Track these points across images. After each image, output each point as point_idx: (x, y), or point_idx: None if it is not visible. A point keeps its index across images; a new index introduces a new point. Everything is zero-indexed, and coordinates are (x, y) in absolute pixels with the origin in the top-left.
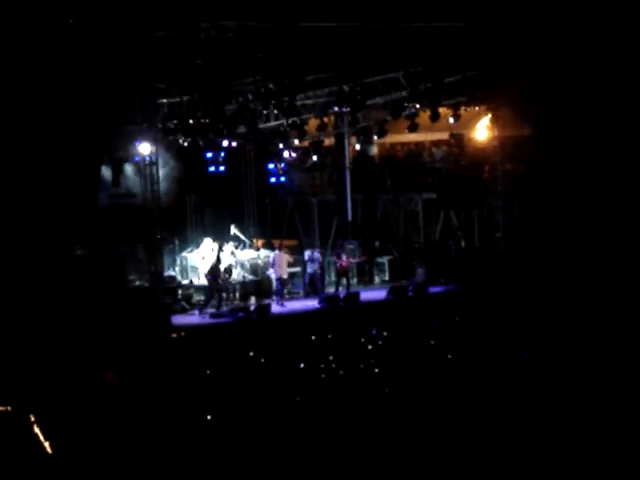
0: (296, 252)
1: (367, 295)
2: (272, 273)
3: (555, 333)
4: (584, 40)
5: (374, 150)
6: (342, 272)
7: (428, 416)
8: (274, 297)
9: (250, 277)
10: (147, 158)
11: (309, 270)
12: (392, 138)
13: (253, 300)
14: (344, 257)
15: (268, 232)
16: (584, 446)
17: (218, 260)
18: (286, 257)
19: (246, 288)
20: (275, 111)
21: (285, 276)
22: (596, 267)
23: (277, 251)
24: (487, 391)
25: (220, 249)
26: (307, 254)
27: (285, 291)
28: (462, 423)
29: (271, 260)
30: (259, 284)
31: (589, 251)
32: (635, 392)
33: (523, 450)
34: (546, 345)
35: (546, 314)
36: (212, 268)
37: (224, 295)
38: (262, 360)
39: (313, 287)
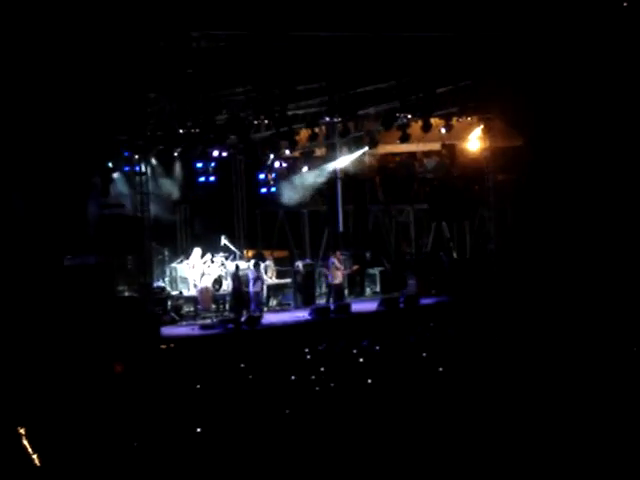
0: (286, 263)
1: (358, 306)
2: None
3: (549, 344)
4: (576, 50)
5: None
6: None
7: (421, 428)
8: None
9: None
10: (137, 168)
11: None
12: (384, 149)
13: (244, 311)
14: (333, 265)
15: (258, 243)
16: (580, 459)
17: (237, 268)
18: (337, 264)
19: (236, 299)
20: (266, 121)
21: (338, 281)
22: (590, 277)
23: (332, 258)
24: (480, 403)
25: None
26: (298, 265)
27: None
28: (454, 434)
29: (327, 265)
30: (249, 295)
31: (582, 261)
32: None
33: (517, 464)
34: (540, 356)
35: (539, 325)
36: (233, 276)
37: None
38: (252, 372)
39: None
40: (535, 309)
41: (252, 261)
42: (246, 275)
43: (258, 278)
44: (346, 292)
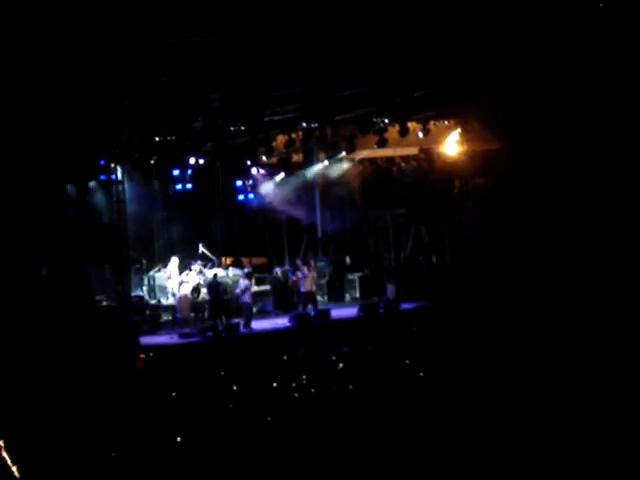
0: (265, 270)
1: (338, 312)
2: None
3: (529, 346)
4: (553, 53)
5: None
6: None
7: (402, 433)
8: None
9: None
10: (113, 176)
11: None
12: (361, 154)
13: (222, 319)
14: (301, 273)
15: (237, 250)
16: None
17: (215, 276)
18: (312, 274)
19: (215, 307)
20: (242, 127)
21: (308, 289)
22: (570, 280)
23: (302, 269)
24: (462, 407)
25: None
26: (277, 272)
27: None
28: (436, 439)
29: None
30: (228, 303)
31: (561, 264)
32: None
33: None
34: (520, 359)
35: (518, 328)
36: (210, 284)
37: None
38: (232, 380)
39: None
40: (514, 313)
41: (244, 271)
42: (226, 283)
43: (247, 288)
44: (325, 298)
